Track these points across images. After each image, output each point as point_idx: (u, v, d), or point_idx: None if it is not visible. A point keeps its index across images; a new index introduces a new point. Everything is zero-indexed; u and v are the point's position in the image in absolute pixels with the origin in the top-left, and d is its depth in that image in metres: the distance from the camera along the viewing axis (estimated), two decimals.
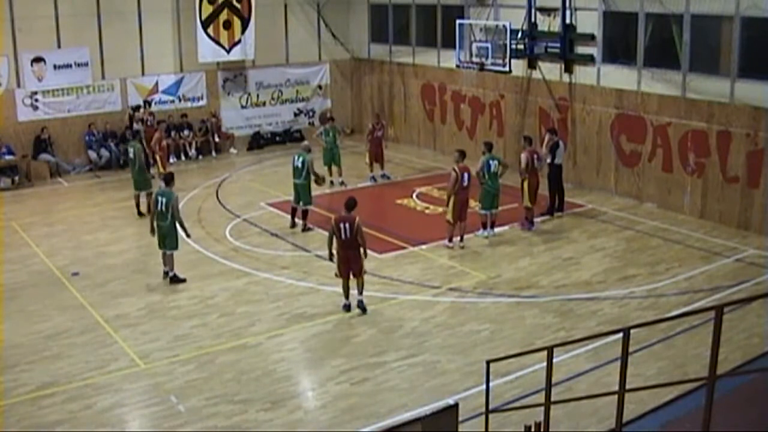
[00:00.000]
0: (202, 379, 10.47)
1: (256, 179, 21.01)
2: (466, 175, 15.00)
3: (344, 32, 25.87)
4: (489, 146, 15.98)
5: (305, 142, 17.94)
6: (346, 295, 12.43)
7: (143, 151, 17.59)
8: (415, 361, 10.88)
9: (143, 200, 17.48)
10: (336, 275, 12.42)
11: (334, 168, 19.75)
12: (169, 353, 11.21)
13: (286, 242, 15.79)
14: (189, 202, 18.82)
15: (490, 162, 15.57)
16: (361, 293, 12.47)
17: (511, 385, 10.04)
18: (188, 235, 14.01)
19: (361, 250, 12.29)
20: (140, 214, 17.55)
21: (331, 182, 19.42)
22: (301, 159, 16.41)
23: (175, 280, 13.76)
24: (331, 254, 12.39)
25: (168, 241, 13.69)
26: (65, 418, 9.55)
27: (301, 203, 16.48)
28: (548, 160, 16.89)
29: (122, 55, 22.11)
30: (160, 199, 13.60)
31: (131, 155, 17.56)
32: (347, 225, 12.10)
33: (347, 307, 12.42)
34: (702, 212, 16.70)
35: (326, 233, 12.91)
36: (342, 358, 11.03)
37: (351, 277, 12.34)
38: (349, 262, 12.25)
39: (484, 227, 15.91)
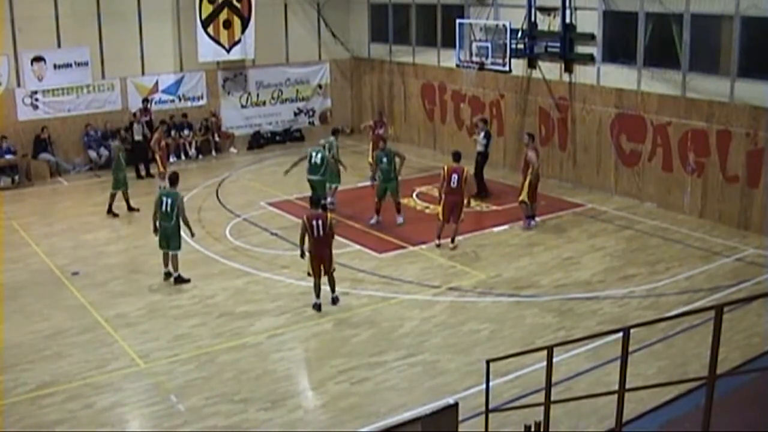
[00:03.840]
0: (201, 379, 10.48)
1: (256, 179, 21.02)
2: (454, 176, 15.03)
3: (344, 32, 25.87)
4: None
5: (331, 138, 17.70)
6: (318, 294, 12.56)
7: (121, 150, 18.02)
8: (414, 361, 10.88)
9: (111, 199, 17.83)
10: (308, 274, 12.55)
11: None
12: (169, 353, 11.22)
13: (285, 242, 15.79)
14: (189, 201, 18.73)
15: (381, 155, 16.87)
16: (333, 290, 12.71)
17: (510, 384, 10.04)
18: (192, 235, 14.02)
19: (332, 245, 12.64)
20: (129, 208, 17.91)
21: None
22: (320, 155, 16.42)
23: (180, 280, 13.70)
24: (302, 252, 12.56)
25: (172, 242, 13.64)
26: (65, 417, 9.55)
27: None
28: (480, 149, 18.39)
29: (122, 54, 22.10)
30: (165, 199, 13.51)
31: (111, 154, 18.44)
32: (319, 222, 12.31)
33: (318, 307, 12.52)
34: (702, 212, 16.70)
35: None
36: (342, 357, 11.03)
37: (322, 274, 12.52)
38: (322, 259, 12.45)
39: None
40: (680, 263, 14.28)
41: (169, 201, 13.46)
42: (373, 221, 16.63)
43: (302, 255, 12.59)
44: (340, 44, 25.79)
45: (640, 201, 17.91)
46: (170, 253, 13.71)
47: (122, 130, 20.39)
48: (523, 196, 16.14)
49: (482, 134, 18.44)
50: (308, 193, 16.76)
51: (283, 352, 11.26)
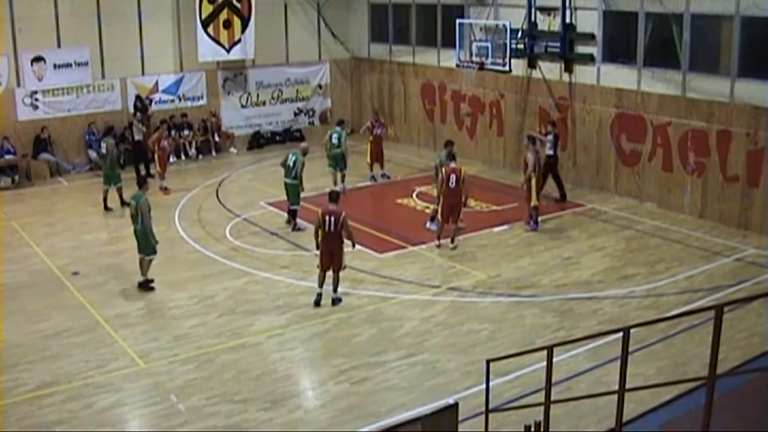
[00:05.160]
0: (201, 379, 10.48)
1: (255, 179, 21.02)
2: (452, 177, 15.01)
3: (344, 32, 25.87)
4: (340, 122, 19.48)
5: (304, 144, 17.83)
6: (321, 284, 12.67)
7: (115, 146, 18.40)
8: (414, 361, 10.88)
9: (113, 195, 18.15)
10: (317, 266, 12.69)
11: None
12: (168, 353, 11.22)
13: (285, 242, 15.79)
14: (189, 201, 18.85)
15: (333, 135, 18.80)
16: (335, 291, 12.73)
17: (510, 384, 10.04)
18: (156, 242, 13.54)
19: (345, 245, 12.57)
20: (107, 208, 18.04)
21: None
22: (293, 159, 16.41)
23: (145, 285, 13.43)
24: (317, 245, 12.67)
25: (142, 246, 13.43)
26: (65, 417, 9.55)
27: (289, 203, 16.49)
28: (549, 152, 17.72)
29: (122, 54, 22.11)
30: (131, 202, 13.49)
31: (104, 150, 18.27)
32: (332, 218, 12.40)
33: (319, 297, 12.64)
34: (702, 212, 16.70)
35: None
36: (342, 357, 11.03)
37: (330, 270, 12.62)
38: (332, 256, 12.53)
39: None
40: (680, 263, 14.28)
41: (133, 204, 13.37)
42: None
43: (317, 247, 12.70)
44: (340, 44, 25.79)
45: (640, 201, 17.91)
46: (144, 258, 13.46)
47: (124, 129, 20.43)
48: (535, 201, 15.99)
49: (551, 136, 17.83)
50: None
51: (283, 352, 11.26)
